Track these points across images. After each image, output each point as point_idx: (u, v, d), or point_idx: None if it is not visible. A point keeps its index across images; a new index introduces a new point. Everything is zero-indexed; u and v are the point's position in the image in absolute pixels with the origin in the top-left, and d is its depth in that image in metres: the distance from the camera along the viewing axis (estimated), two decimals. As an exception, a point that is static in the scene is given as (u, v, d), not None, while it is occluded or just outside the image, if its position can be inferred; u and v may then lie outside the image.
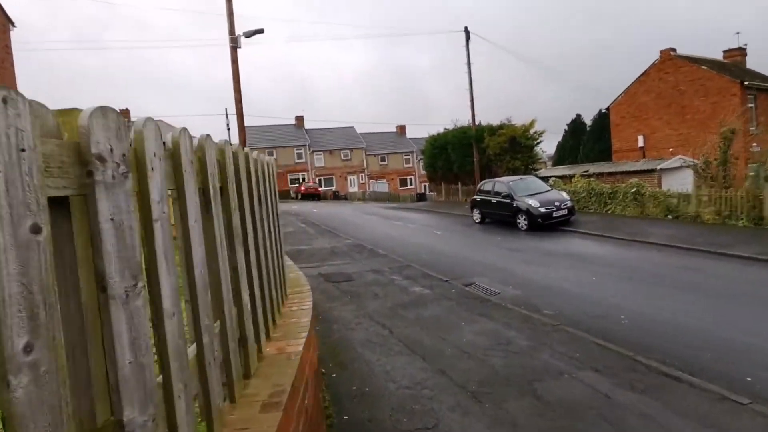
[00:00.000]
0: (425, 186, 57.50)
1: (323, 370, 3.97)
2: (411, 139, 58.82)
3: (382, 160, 56.03)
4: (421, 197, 50.86)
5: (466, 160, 24.97)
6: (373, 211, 26.50)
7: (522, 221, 14.24)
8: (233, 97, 14.50)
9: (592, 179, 17.29)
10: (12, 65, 15.25)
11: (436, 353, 4.32)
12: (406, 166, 57.04)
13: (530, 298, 6.71)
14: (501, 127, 23.28)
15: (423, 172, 58.10)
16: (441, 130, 28.41)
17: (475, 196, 17.11)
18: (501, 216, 15.41)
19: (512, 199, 14.71)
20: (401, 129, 60.02)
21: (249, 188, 2.79)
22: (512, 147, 21.61)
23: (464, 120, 28.91)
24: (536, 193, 14.73)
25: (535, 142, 22.64)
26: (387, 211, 25.40)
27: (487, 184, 16.53)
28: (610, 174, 18.27)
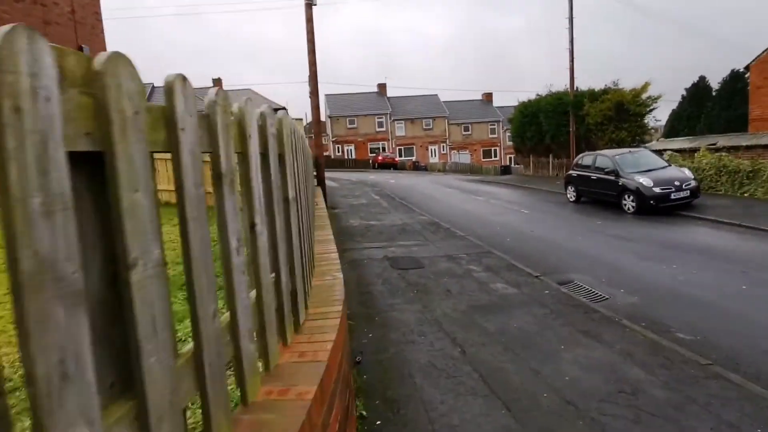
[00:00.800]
0: (510, 158, 54.04)
1: (363, 413, 2.88)
2: (498, 107, 55.25)
3: (466, 129, 53.35)
4: (505, 170, 48.02)
5: (561, 130, 22.27)
6: (454, 183, 24.90)
7: (629, 203, 12.01)
8: (307, 59, 13.63)
9: (723, 154, 14.23)
10: (102, 32, 15.48)
11: (527, 400, 3.02)
12: (490, 136, 53.88)
13: (653, 311, 5.07)
14: (605, 92, 20.21)
15: (509, 143, 54.56)
16: (532, 97, 25.64)
17: (570, 171, 14.93)
18: (602, 195, 13.21)
19: (618, 175, 12.46)
20: (487, 96, 56.52)
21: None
22: (618, 115, 18.65)
23: (559, 85, 25.86)
24: (649, 170, 12.32)
25: (648, 109, 19.38)
26: (468, 185, 23.69)
27: (586, 158, 14.26)
28: (748, 148, 14.95)
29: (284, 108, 47.93)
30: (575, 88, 21.49)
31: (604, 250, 8.07)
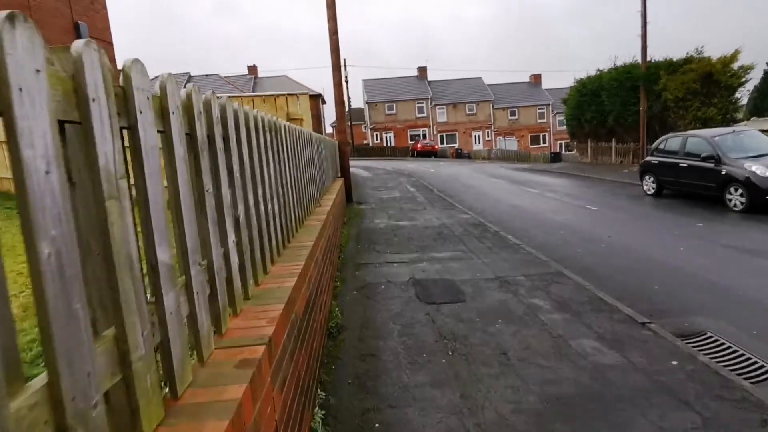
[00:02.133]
0: (561, 144, 50.08)
1: None
2: (547, 90, 51.27)
3: (512, 114, 49.85)
4: (555, 157, 44.51)
5: (628, 110, 19.16)
6: (500, 173, 22.28)
7: (735, 197, 9.26)
8: (327, 27, 11.57)
9: None
10: (104, 7, 13.93)
11: None
12: (539, 121, 50.13)
13: None
14: (688, 61, 16.94)
15: (560, 127, 50.51)
16: (588, 75, 22.43)
17: (649, 158, 12.16)
18: (695, 187, 10.46)
19: (719, 162, 9.70)
20: (536, 78, 52.60)
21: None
22: (705, 89, 15.42)
23: (626, 58, 22.47)
24: (761, 155, 9.50)
25: (740, 81, 16.00)
26: (517, 174, 21.03)
27: (672, 141, 11.46)
28: None
29: (320, 94, 46.36)
30: (648, 60, 18.23)
31: (728, 270, 5.59)
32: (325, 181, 7.53)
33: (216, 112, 1.94)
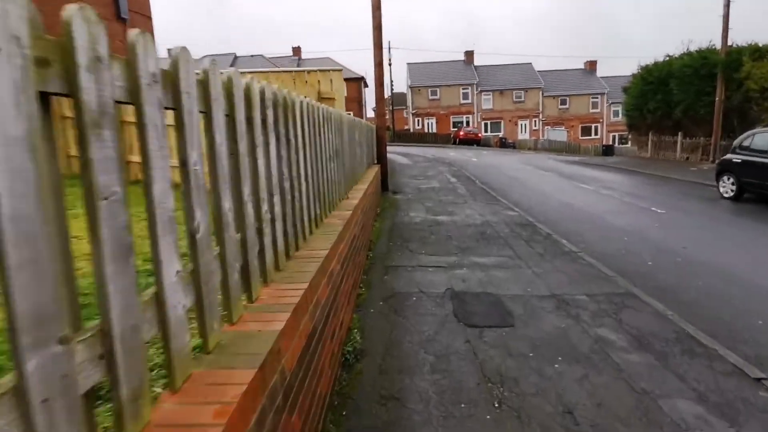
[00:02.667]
0: (614, 137, 47.11)
1: None
2: (602, 78, 48.20)
3: (563, 103, 47.24)
4: (607, 150, 41.96)
5: (701, 101, 17.24)
6: (549, 165, 20.82)
7: (841, 207, 7.77)
8: (371, 2, 10.67)
9: None
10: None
11: None
12: (591, 111, 47.30)
13: None
14: (777, 46, 14.86)
15: (614, 119, 47.47)
16: (658, 60, 20.35)
17: (729, 156, 10.64)
18: (788, 193, 8.96)
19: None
20: (591, 65, 49.54)
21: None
22: (800, 78, 13.42)
23: (700, 42, 20.28)
24: None
25: (841, 71, 13.86)
26: (567, 167, 19.54)
27: (761, 138, 9.91)
28: None
29: (362, 77, 45.52)
30: (729, 44, 16.17)
31: None
32: (356, 170, 6.75)
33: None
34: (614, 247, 6.61)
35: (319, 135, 3.70)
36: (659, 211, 9.44)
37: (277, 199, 2.37)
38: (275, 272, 2.31)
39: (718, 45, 16.54)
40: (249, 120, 2.03)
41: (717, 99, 16.13)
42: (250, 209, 1.96)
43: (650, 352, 3.39)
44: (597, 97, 46.80)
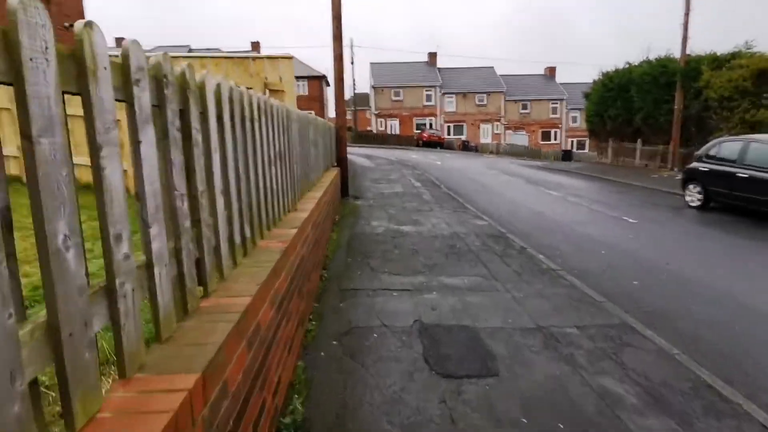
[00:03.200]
0: (573, 142, 48.18)
1: None
2: (562, 84, 49.26)
3: (524, 107, 47.90)
4: (566, 155, 42.75)
5: (660, 108, 17.41)
6: (513, 169, 20.59)
7: (811, 219, 7.60)
8: (329, -9, 9.75)
9: None
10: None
11: None
12: (551, 116, 48.20)
13: None
14: (735, 56, 15.11)
15: (573, 124, 48.57)
16: (618, 67, 20.51)
17: (695, 165, 10.47)
18: (757, 203, 8.79)
19: (792, 175, 8.02)
20: (550, 71, 50.55)
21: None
22: (758, 87, 13.60)
23: (660, 50, 20.62)
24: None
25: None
26: (532, 172, 19.34)
27: (727, 147, 9.75)
28: None
29: (324, 75, 44.39)
30: (687, 54, 16.36)
31: None
32: (310, 174, 5.87)
33: None
34: (594, 263, 6.04)
35: (254, 132, 2.82)
36: (631, 220, 9.07)
37: (157, 229, 1.49)
38: (155, 348, 1.43)
39: (677, 54, 16.73)
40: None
41: (676, 107, 16.31)
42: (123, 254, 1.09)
43: (669, 413, 2.72)
44: (557, 103, 47.74)
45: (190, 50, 44.60)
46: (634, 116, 18.88)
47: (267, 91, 5.78)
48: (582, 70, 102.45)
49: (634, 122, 18.97)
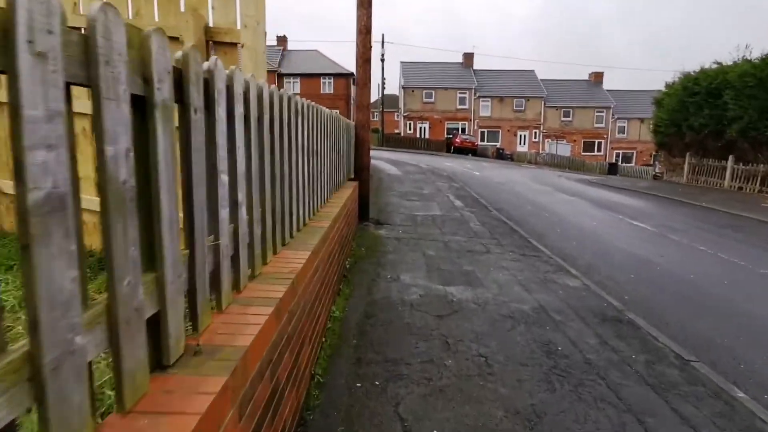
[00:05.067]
0: (617, 154, 44.14)
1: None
2: (609, 91, 45.34)
3: (566, 115, 44.19)
4: (612, 169, 38.90)
5: (766, 119, 13.84)
6: (565, 185, 17.28)
7: None
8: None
9: None
10: None
11: None
12: (596, 125, 44.34)
13: None
14: None
15: (619, 135, 44.54)
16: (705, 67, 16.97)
17: None
18: None
19: None
20: (596, 76, 46.68)
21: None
22: None
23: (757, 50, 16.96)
24: None
25: None
26: (590, 190, 16.02)
27: None
28: None
29: (351, 73, 41.72)
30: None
31: None
32: (313, 201, 2.99)
33: None
34: None
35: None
36: (801, 285, 5.84)
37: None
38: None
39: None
40: None
41: (794, 117, 12.85)
42: None
43: None
44: (602, 111, 43.84)
45: (214, 42, 42.63)
46: (726, 127, 15.38)
47: (209, 43, 2.87)
48: (630, 75, 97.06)
49: (725, 135, 15.47)
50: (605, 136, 43.99)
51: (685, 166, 18.10)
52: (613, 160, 41.46)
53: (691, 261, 6.86)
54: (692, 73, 17.30)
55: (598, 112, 43.92)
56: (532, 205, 11.63)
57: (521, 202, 12.05)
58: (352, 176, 7.66)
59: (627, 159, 44.23)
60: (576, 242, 7.72)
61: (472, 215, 9.17)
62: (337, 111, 6.22)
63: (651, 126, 21.45)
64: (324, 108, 4.35)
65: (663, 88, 19.56)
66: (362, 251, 6.07)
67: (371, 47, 7.34)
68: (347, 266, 5.33)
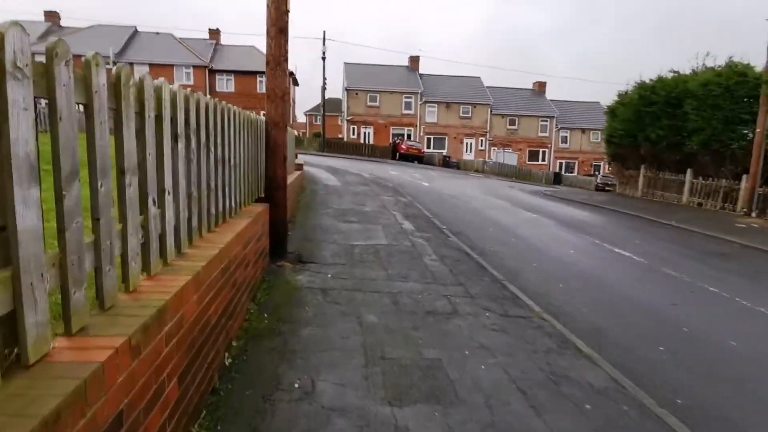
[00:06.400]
0: (560, 164, 44.51)
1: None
2: (552, 101, 45.71)
3: (511, 123, 43.94)
4: (557, 178, 38.83)
5: (732, 131, 13.02)
6: (521, 198, 15.81)
7: None
8: None
9: None
10: None
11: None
12: (540, 134, 44.47)
13: None
14: None
15: (562, 144, 44.95)
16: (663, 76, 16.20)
17: None
18: None
19: None
20: (540, 86, 46.95)
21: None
22: None
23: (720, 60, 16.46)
24: None
25: None
26: (546, 204, 14.60)
27: None
28: None
29: (292, 72, 38.99)
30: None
31: None
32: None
33: None
34: None
35: None
36: None
37: None
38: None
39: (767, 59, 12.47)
40: None
41: (758, 130, 12.06)
42: None
43: None
44: (546, 120, 44.02)
45: (136, 32, 38.36)
46: (686, 139, 14.54)
47: None
48: (560, 88, 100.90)
49: (685, 147, 14.64)
50: (549, 145, 44.20)
51: (640, 179, 17.30)
52: (557, 170, 41.63)
53: (715, 313, 5.19)
54: (648, 82, 16.54)
55: (542, 121, 44.06)
56: (494, 226, 9.82)
57: (481, 222, 10.21)
58: (262, 196, 5.35)
59: (570, 168, 44.70)
60: (562, 284, 5.88)
61: (426, 245, 7.11)
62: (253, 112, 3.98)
63: (604, 136, 20.72)
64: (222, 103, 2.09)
65: (601, 101, 18.89)
66: (263, 322, 3.79)
67: (288, 10, 5.08)
68: (226, 363, 3.05)
